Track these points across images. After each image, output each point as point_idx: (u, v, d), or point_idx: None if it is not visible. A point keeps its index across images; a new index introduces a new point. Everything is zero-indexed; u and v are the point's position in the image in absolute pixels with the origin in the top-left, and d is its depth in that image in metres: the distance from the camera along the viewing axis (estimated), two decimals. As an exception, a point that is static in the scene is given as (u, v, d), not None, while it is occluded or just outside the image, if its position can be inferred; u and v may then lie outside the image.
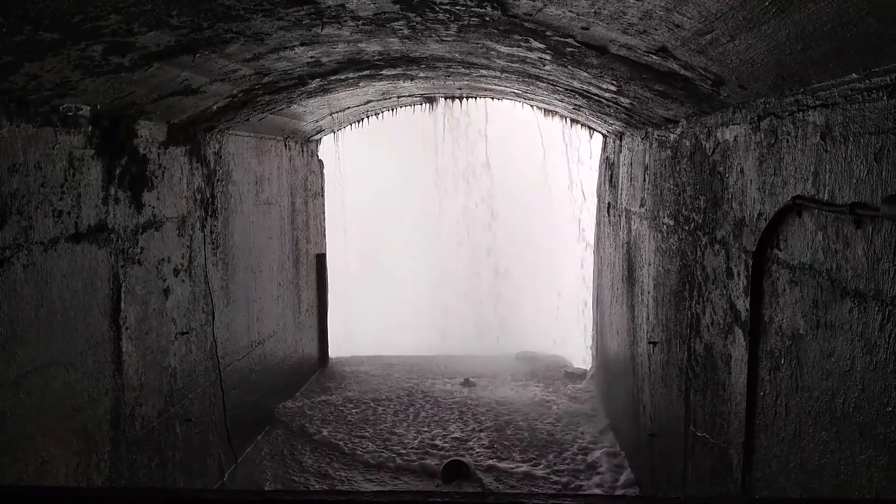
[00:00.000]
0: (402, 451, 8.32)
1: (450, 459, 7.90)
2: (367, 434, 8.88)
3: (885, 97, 2.53)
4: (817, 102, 3.09)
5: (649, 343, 6.51)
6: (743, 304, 4.03)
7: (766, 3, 2.57)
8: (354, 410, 9.76)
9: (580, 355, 11.90)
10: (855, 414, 2.79)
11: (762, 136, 3.77)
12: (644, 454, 6.94)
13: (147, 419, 5.70)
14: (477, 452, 8.27)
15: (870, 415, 2.68)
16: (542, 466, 7.92)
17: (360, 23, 4.57)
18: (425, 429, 9.05)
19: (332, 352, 12.09)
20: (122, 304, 5.30)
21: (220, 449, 7.25)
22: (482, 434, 8.86)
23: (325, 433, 8.83)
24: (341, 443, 8.57)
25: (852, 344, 2.81)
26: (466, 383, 11.03)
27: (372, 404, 10.01)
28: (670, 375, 5.78)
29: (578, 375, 11.40)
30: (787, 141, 3.43)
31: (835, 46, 2.64)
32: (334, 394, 10.46)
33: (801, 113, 3.27)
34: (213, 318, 7.09)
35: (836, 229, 2.94)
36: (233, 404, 7.54)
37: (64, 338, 4.58)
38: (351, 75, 6.71)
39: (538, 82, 6.71)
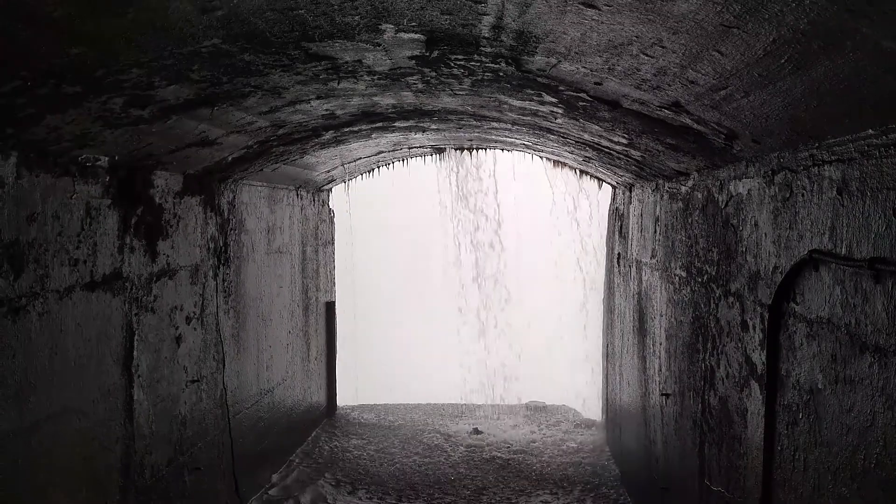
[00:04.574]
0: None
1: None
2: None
3: (901, 153, 2.56)
4: (833, 157, 3.12)
5: (662, 395, 6.45)
6: (759, 358, 4.00)
7: (783, 61, 2.61)
8: (359, 462, 9.66)
9: (589, 405, 11.79)
10: (877, 470, 2.76)
11: (777, 189, 3.79)
12: (657, 508, 6.82)
13: (156, 468, 5.64)
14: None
15: (893, 471, 2.64)
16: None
17: (375, 77, 4.65)
18: (431, 475, 8.95)
19: (340, 399, 12.02)
20: (135, 352, 5.30)
21: (227, 499, 7.16)
22: (490, 487, 8.74)
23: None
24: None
25: (873, 399, 2.78)
26: (476, 432, 10.94)
27: (376, 454, 9.92)
28: (684, 428, 5.72)
29: (588, 425, 11.28)
30: (803, 195, 3.45)
31: (851, 103, 2.68)
32: (343, 441, 10.38)
33: (816, 168, 3.29)
34: (224, 365, 7.07)
35: (854, 284, 2.93)
36: (240, 453, 7.47)
37: (77, 386, 4.57)
38: (364, 127, 6.80)
39: (549, 135, 6.79)
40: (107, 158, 4.77)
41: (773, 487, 3.83)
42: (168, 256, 5.83)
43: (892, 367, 2.64)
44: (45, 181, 4.19)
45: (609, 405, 10.05)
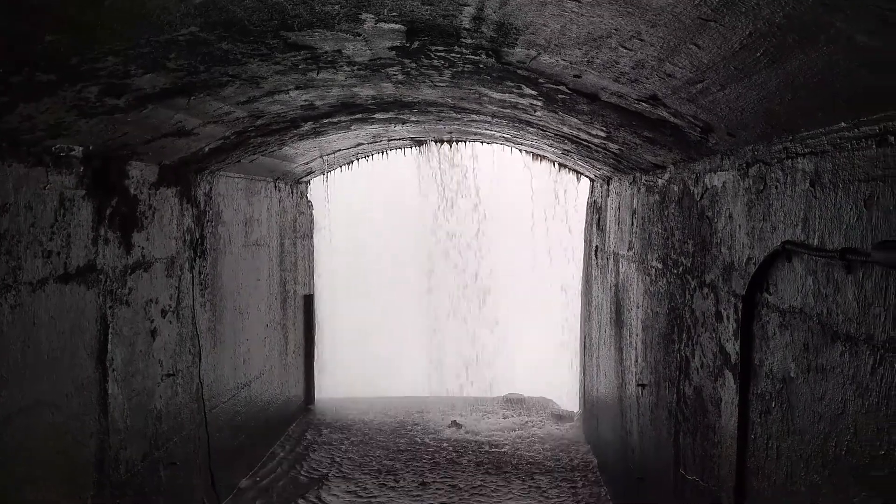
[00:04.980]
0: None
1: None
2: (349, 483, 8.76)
3: (874, 145, 2.60)
4: (806, 150, 3.16)
5: (638, 385, 6.51)
6: (733, 348, 4.05)
7: (758, 54, 2.64)
8: (337, 456, 9.65)
9: (567, 397, 11.87)
10: (848, 457, 2.80)
11: (751, 182, 3.84)
12: (633, 498, 6.89)
13: (131, 463, 5.60)
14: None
15: (863, 458, 2.69)
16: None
17: (355, 68, 4.64)
18: (409, 467, 8.96)
19: (319, 392, 11.99)
20: (109, 346, 5.25)
21: (203, 494, 7.13)
22: (468, 479, 8.77)
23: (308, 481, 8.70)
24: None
25: (844, 387, 2.83)
26: (454, 425, 10.96)
27: (354, 448, 9.91)
28: (659, 418, 5.78)
29: (566, 418, 11.36)
30: (776, 187, 3.49)
31: (824, 96, 2.71)
32: (321, 435, 10.36)
33: (789, 160, 3.34)
34: (200, 359, 7.02)
35: (826, 274, 2.98)
36: (217, 448, 7.43)
37: (50, 379, 4.52)
38: (343, 118, 6.78)
39: (528, 127, 6.81)
40: (81, 148, 4.72)
41: (747, 475, 3.88)
42: (143, 248, 5.78)
43: (862, 355, 2.68)
44: (17, 171, 4.13)
45: (586, 397, 10.12)
